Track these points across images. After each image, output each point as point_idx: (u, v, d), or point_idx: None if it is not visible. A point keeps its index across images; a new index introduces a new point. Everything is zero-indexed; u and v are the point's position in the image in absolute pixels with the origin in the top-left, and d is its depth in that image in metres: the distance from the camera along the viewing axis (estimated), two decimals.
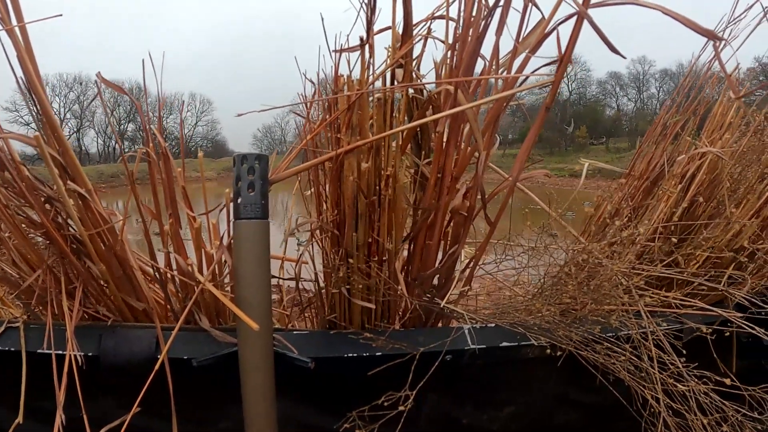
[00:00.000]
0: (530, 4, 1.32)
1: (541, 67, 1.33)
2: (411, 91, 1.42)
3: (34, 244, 1.41)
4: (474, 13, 1.32)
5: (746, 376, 1.49)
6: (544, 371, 1.56)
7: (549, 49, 1.32)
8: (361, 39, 1.28)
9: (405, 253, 1.51)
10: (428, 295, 1.47)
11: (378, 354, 1.36)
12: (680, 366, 1.38)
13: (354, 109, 1.29)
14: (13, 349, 1.35)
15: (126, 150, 1.53)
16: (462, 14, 1.36)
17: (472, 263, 1.54)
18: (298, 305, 1.78)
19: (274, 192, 1.33)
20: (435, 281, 1.52)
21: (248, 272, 1.22)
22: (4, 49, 1.18)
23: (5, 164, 1.28)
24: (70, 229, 1.35)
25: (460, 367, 1.43)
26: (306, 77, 1.61)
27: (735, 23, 1.81)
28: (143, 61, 1.42)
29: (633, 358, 1.42)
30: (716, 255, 1.78)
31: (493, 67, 1.37)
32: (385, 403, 1.30)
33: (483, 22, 1.32)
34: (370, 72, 1.32)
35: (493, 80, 1.44)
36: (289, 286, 1.78)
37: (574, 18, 1.26)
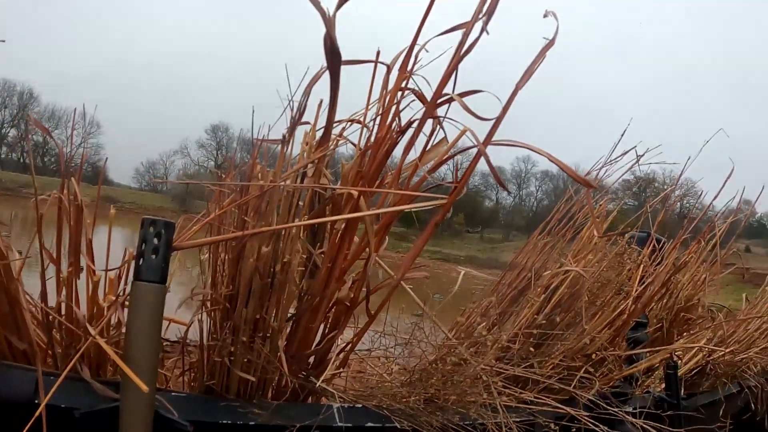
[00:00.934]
0: (438, 129, 1.58)
1: (435, 186, 1.59)
2: None
3: None
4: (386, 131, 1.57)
5: None
6: None
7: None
8: (283, 136, 1.49)
9: (287, 331, 1.68)
10: (304, 373, 1.65)
11: (252, 424, 1.50)
12: None
13: (264, 198, 1.48)
14: None
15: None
16: (376, 128, 1.60)
17: (348, 347, 1.74)
18: (176, 362, 1.87)
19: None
20: (311, 360, 1.70)
21: (140, 333, 1.34)
22: None
23: None
24: None
25: None
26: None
27: (612, 164, 2.17)
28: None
29: None
30: (569, 361, 2.07)
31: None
32: None
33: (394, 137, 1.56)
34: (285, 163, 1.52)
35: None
36: (170, 345, 1.88)
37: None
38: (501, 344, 1.90)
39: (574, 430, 1.86)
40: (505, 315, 2.17)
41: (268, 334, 1.57)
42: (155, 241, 1.37)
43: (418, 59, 1.61)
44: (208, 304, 1.61)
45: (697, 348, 3.17)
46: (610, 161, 2.30)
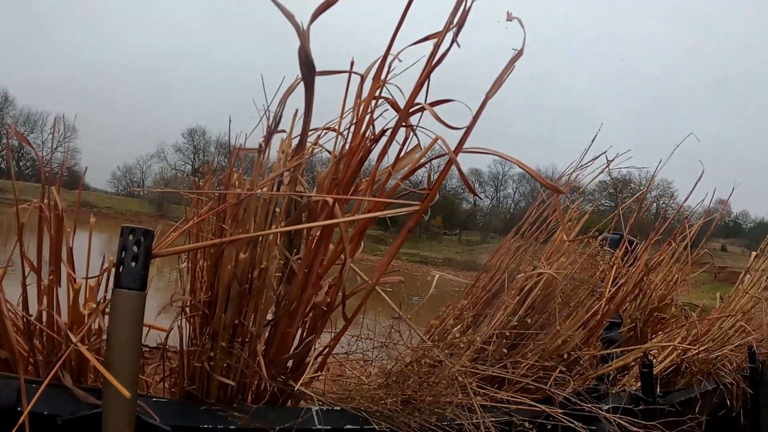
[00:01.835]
0: (411, 136, 1.63)
1: (408, 193, 1.64)
2: None
3: None
4: (360, 139, 1.61)
5: None
6: None
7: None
8: (260, 145, 1.54)
9: (266, 336, 1.72)
10: (283, 377, 1.69)
11: (233, 428, 1.54)
12: None
13: (241, 206, 1.52)
14: None
15: None
16: (351, 136, 1.65)
17: (325, 351, 1.78)
18: (157, 367, 1.90)
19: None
20: (290, 364, 1.74)
21: (121, 340, 1.37)
22: None
23: None
24: None
25: None
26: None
27: (583, 168, 2.24)
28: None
29: None
30: (543, 361, 2.13)
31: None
32: None
33: (368, 145, 1.61)
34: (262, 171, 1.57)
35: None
36: (146, 350, 1.91)
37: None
38: (476, 346, 1.95)
39: (549, 427, 1.92)
40: (480, 317, 2.22)
41: (247, 339, 1.61)
42: (134, 248, 1.40)
43: (392, 69, 1.66)
44: (188, 311, 1.64)
45: (671, 347, 3.24)
46: (581, 165, 2.38)
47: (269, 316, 1.68)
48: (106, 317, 1.44)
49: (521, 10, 1.59)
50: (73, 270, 1.63)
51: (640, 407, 2.54)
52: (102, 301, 1.57)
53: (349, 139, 1.65)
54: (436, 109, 1.62)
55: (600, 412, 2.07)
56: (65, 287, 1.61)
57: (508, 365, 2.03)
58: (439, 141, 1.59)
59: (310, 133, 1.67)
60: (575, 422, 1.95)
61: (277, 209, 1.63)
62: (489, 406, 1.92)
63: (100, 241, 1.84)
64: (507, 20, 1.54)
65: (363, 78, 1.67)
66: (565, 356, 2.15)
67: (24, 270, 1.59)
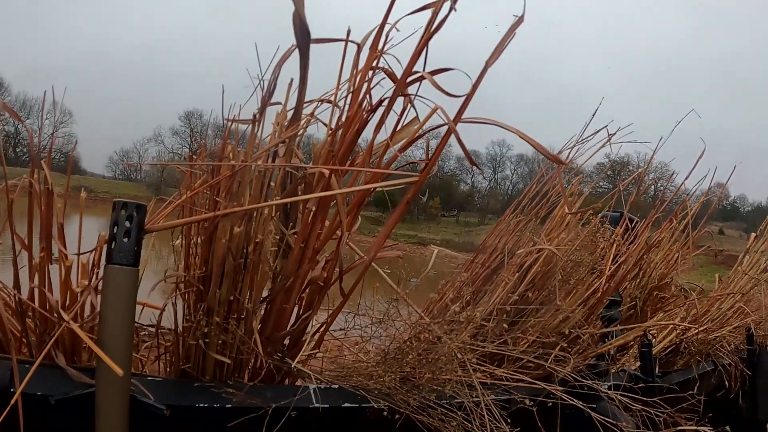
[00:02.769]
0: (408, 107, 1.59)
1: (406, 165, 1.61)
2: None
3: None
4: (357, 110, 1.58)
5: None
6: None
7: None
8: (254, 115, 1.50)
9: (262, 312, 1.69)
10: (279, 354, 1.66)
11: (229, 406, 1.52)
12: (507, 431, 1.65)
13: (236, 178, 1.48)
14: None
15: None
16: (347, 107, 1.61)
17: (322, 328, 1.75)
18: (151, 346, 1.88)
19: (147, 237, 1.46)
20: (286, 342, 1.71)
21: (114, 317, 1.35)
22: None
23: None
24: None
25: (304, 424, 1.61)
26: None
27: (583, 143, 2.21)
28: None
29: (464, 422, 1.67)
30: (544, 338, 2.10)
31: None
32: None
33: (365, 116, 1.57)
34: (256, 144, 1.53)
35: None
36: (148, 332, 1.89)
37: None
38: (476, 322, 1.93)
39: (549, 404, 1.90)
40: (479, 293, 2.20)
41: (243, 316, 1.58)
42: (127, 223, 1.37)
43: (389, 38, 1.62)
44: (182, 287, 1.61)
45: (671, 326, 3.23)
46: (582, 140, 2.35)
47: (265, 292, 1.65)
48: (99, 295, 1.41)
49: None
50: (65, 247, 1.60)
51: (640, 386, 2.53)
52: (95, 278, 1.54)
53: (345, 111, 1.61)
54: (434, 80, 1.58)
55: (601, 390, 2.05)
56: (57, 266, 1.59)
57: (509, 341, 2.00)
58: (438, 111, 1.56)
59: (305, 104, 1.64)
60: (575, 400, 1.93)
61: (272, 183, 1.59)
62: (489, 383, 1.90)
63: (98, 224, 1.81)
64: None
65: (360, 47, 1.63)
66: (566, 332, 2.13)
67: (15, 248, 1.56)
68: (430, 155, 1.64)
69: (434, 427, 1.67)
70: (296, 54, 1.43)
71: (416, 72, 1.57)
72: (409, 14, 1.58)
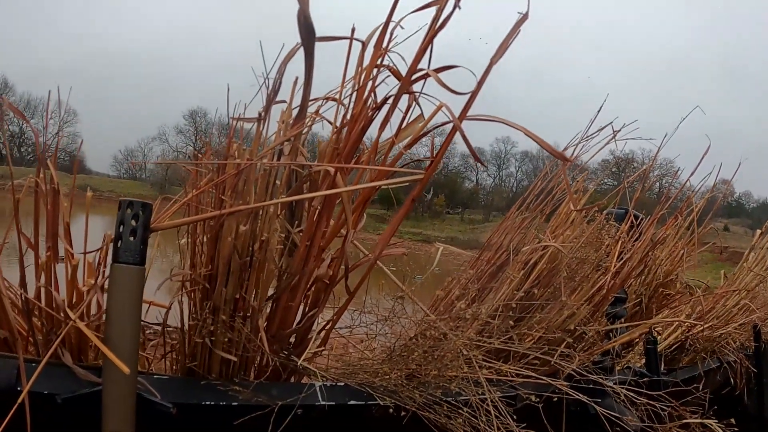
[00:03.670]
0: (413, 105, 1.59)
1: (411, 162, 1.61)
2: None
3: None
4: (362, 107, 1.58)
5: None
6: (390, 429, 1.77)
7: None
8: (259, 114, 1.50)
9: (268, 310, 1.70)
10: (285, 352, 1.66)
11: (235, 404, 1.52)
12: (514, 427, 1.65)
13: (241, 177, 1.49)
14: None
15: None
16: (352, 105, 1.61)
17: (328, 326, 1.76)
18: (158, 344, 1.89)
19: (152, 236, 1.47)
20: (292, 339, 1.72)
21: (120, 315, 1.35)
22: None
23: None
24: None
25: (310, 422, 1.62)
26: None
27: (588, 139, 2.20)
28: None
29: (471, 419, 1.68)
30: (549, 334, 2.11)
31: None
32: None
33: (370, 114, 1.57)
34: (261, 142, 1.53)
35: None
36: (154, 331, 1.90)
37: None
38: (482, 319, 1.93)
39: (555, 399, 1.91)
40: (485, 290, 2.20)
41: (248, 314, 1.59)
42: (133, 222, 1.38)
43: (394, 36, 1.62)
44: (188, 285, 1.62)
45: (676, 323, 3.22)
46: (587, 137, 2.35)
47: (271, 290, 1.65)
48: (106, 294, 1.41)
49: None
50: (71, 246, 1.61)
51: (645, 382, 2.53)
52: (101, 277, 1.55)
53: (350, 109, 1.61)
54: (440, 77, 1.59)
55: (607, 385, 2.06)
56: (64, 265, 1.59)
57: (514, 337, 2.01)
58: (443, 108, 1.56)
59: (310, 102, 1.64)
60: (581, 395, 1.93)
61: (278, 181, 1.60)
62: (495, 379, 1.90)
63: (103, 223, 1.82)
64: None
65: (364, 45, 1.63)
66: (571, 329, 2.13)
67: (21, 247, 1.57)
68: (434, 152, 1.64)
69: (440, 423, 1.68)
70: (301, 52, 1.43)
71: (421, 69, 1.57)
72: (413, 12, 1.58)
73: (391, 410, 1.66)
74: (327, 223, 1.65)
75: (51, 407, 1.37)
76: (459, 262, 2.45)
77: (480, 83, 1.52)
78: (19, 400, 1.26)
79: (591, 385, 2.03)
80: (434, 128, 1.65)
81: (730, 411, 3.26)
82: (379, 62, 1.60)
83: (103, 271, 1.54)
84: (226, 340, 1.57)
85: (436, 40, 1.57)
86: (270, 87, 1.48)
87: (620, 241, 2.57)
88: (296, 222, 1.67)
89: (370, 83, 1.59)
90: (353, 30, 1.60)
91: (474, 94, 1.52)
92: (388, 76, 1.62)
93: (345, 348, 2.02)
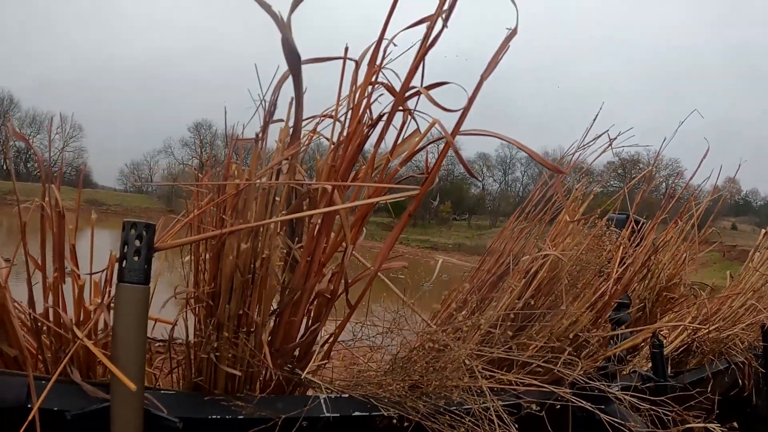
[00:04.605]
0: (408, 121, 1.63)
1: (408, 178, 1.65)
2: None
3: None
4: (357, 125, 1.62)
5: None
6: None
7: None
8: (257, 135, 1.54)
9: (271, 325, 1.74)
10: (289, 366, 1.70)
11: (240, 417, 1.56)
12: None
13: (241, 196, 1.53)
14: None
15: None
16: (348, 123, 1.65)
17: (331, 339, 1.79)
18: (164, 360, 1.93)
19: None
20: (296, 353, 1.75)
21: (126, 333, 1.39)
22: None
23: None
24: None
25: None
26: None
27: (585, 148, 2.23)
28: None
29: (474, 427, 1.70)
30: (552, 342, 2.13)
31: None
32: None
33: (366, 131, 1.61)
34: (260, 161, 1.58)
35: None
36: (159, 345, 1.94)
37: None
38: (483, 329, 1.96)
39: (558, 407, 1.93)
40: (485, 301, 2.23)
41: (252, 329, 1.63)
42: (137, 243, 1.42)
43: (388, 53, 1.66)
44: (192, 302, 1.65)
45: (681, 326, 3.23)
46: (584, 145, 2.38)
47: (274, 306, 1.69)
48: (112, 313, 1.45)
49: None
50: (77, 266, 1.65)
51: (651, 387, 2.53)
52: (107, 296, 1.59)
53: (347, 126, 1.66)
54: (435, 92, 1.62)
55: (610, 392, 2.07)
56: (71, 284, 1.63)
57: (514, 347, 2.03)
58: (437, 125, 1.60)
59: (309, 120, 1.68)
60: (585, 402, 1.95)
61: (277, 198, 1.64)
62: (497, 389, 1.93)
63: (110, 238, 1.85)
64: None
65: (358, 64, 1.67)
66: (573, 336, 2.16)
67: (29, 268, 1.61)
68: (430, 168, 1.68)
69: None
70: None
71: (413, 87, 1.61)
72: (405, 29, 1.62)
73: (394, 420, 1.70)
74: (327, 238, 1.69)
75: (61, 423, 1.40)
76: (465, 269, 2.47)
77: (471, 100, 1.55)
78: (30, 417, 1.30)
79: (595, 392, 2.05)
80: (429, 143, 1.69)
81: (740, 412, 3.27)
82: (373, 79, 1.64)
83: (109, 291, 1.57)
84: (230, 355, 1.61)
85: (438, 54, 1.61)
86: (266, 109, 1.52)
87: (622, 247, 2.59)
88: (297, 238, 1.71)
89: (365, 101, 1.63)
90: (346, 49, 1.64)
91: (465, 112, 1.56)
92: (382, 94, 1.66)
93: (349, 360, 2.06)
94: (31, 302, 1.62)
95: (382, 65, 1.64)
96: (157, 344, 2.02)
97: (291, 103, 1.57)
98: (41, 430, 1.33)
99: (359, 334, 1.91)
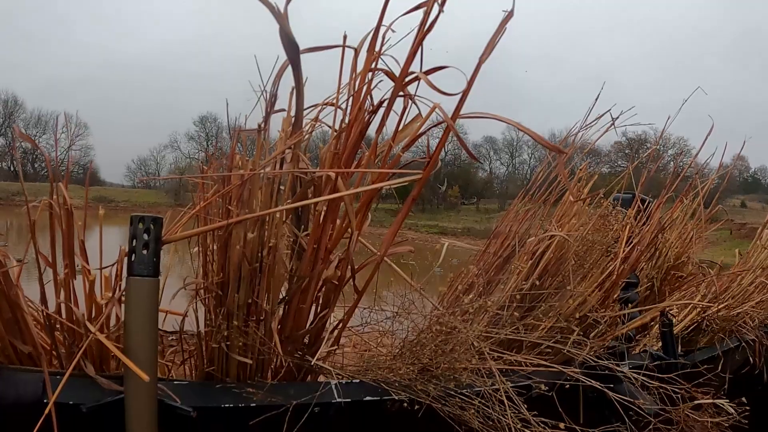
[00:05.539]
0: (409, 106, 1.65)
1: (410, 162, 1.67)
2: None
3: None
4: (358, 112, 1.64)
5: (593, 424, 1.83)
6: (406, 423, 1.82)
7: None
8: (259, 125, 1.56)
9: (280, 313, 1.76)
10: (300, 353, 1.73)
11: (253, 405, 1.59)
12: (526, 414, 1.70)
13: (246, 186, 1.55)
14: None
15: None
16: (349, 110, 1.67)
17: (340, 325, 1.82)
18: (176, 351, 1.96)
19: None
20: (306, 340, 1.78)
21: (137, 326, 1.42)
22: None
23: None
24: None
25: (327, 419, 1.68)
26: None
27: (587, 128, 2.24)
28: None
29: (483, 408, 1.72)
30: (560, 323, 2.14)
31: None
32: None
33: (367, 117, 1.63)
34: (264, 151, 1.60)
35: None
36: (172, 338, 1.97)
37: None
38: (491, 312, 1.98)
39: (568, 387, 1.94)
40: (493, 283, 2.24)
41: (262, 317, 1.65)
42: (145, 236, 1.45)
43: (386, 39, 1.67)
44: (202, 293, 1.68)
45: (691, 305, 3.23)
46: (586, 125, 2.39)
47: (282, 293, 1.71)
48: (123, 306, 1.48)
49: None
50: (87, 262, 1.67)
51: (662, 366, 2.54)
52: (118, 289, 1.61)
53: (348, 113, 1.67)
54: (439, 80, 1.64)
55: (620, 371, 2.09)
56: (81, 280, 1.66)
57: (521, 328, 2.05)
58: (438, 109, 1.62)
59: (310, 108, 1.70)
60: (594, 382, 1.97)
61: (282, 187, 1.66)
62: (506, 370, 1.94)
63: (119, 234, 1.88)
64: None
65: (357, 51, 1.68)
66: (581, 316, 2.17)
67: (40, 266, 1.63)
68: (431, 151, 1.70)
69: (455, 414, 1.73)
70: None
71: (412, 72, 1.62)
72: (403, 15, 1.63)
73: (405, 404, 1.72)
74: (332, 225, 1.71)
75: (77, 417, 1.43)
76: (474, 253, 2.49)
77: (470, 83, 1.57)
78: (46, 411, 1.32)
79: (605, 371, 2.07)
80: (430, 128, 1.71)
81: (751, 390, 3.28)
82: (372, 66, 1.65)
83: (120, 284, 1.60)
84: (241, 344, 1.63)
85: (443, 43, 1.62)
86: (268, 99, 1.54)
87: (628, 226, 2.60)
88: (303, 226, 1.73)
89: (365, 87, 1.65)
90: (345, 37, 1.66)
91: (464, 95, 1.57)
92: (382, 80, 1.68)
93: (358, 346, 2.08)
94: (44, 299, 1.64)
95: (381, 51, 1.65)
96: (169, 338, 2.05)
97: (292, 92, 1.59)
98: (58, 423, 1.35)
99: (368, 319, 1.93)
